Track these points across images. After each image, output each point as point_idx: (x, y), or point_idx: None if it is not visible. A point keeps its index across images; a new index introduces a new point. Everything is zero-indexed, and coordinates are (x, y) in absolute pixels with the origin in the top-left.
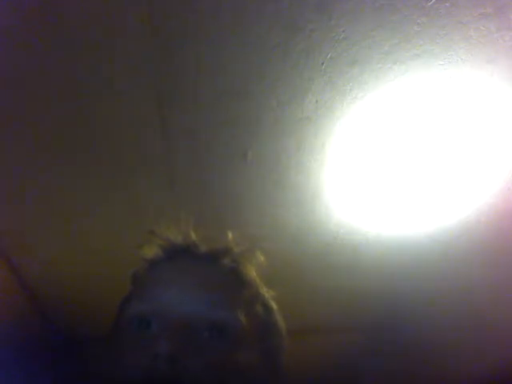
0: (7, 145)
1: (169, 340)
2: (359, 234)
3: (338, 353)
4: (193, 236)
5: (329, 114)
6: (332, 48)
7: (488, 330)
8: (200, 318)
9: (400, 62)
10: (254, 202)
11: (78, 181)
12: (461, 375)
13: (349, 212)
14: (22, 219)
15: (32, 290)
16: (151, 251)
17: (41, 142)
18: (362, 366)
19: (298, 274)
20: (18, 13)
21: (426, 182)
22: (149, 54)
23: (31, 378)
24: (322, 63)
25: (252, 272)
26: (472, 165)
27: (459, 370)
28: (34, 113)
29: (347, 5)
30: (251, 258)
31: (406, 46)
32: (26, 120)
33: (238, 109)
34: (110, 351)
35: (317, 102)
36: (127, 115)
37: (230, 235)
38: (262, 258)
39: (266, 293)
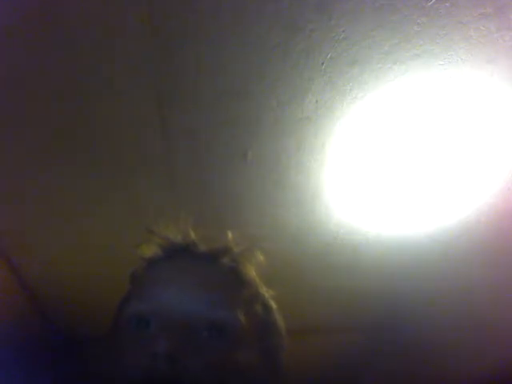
0: (7, 145)
1: (168, 339)
2: (359, 234)
3: (338, 353)
4: (192, 235)
5: (329, 114)
6: (332, 48)
7: (488, 329)
8: (199, 317)
9: (400, 62)
10: (254, 201)
11: (77, 181)
12: (461, 375)
13: (349, 212)
14: (21, 219)
15: (32, 290)
16: (150, 250)
17: (41, 142)
18: (361, 365)
19: (298, 274)
20: (18, 13)
21: (426, 182)
22: (149, 54)
23: (31, 378)
24: (322, 63)
25: (251, 271)
26: (472, 165)
27: (459, 370)
28: (34, 113)
29: (347, 5)
30: (251, 258)
31: (406, 45)
32: (25, 120)
33: (238, 109)
34: (109, 351)
35: (317, 102)
36: (127, 115)
37: (229, 235)
38: (261, 258)
39: (266, 292)
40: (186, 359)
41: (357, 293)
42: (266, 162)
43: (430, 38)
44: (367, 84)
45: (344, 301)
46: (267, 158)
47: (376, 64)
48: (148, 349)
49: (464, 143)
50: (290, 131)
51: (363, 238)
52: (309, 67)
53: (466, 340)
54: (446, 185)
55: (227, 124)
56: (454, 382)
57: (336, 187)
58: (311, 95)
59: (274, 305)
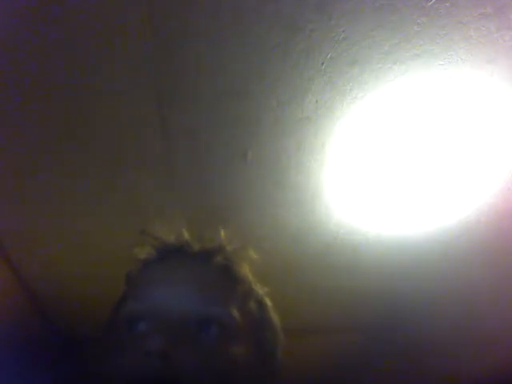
0: (7, 145)
1: (161, 337)
2: (359, 234)
3: (338, 353)
4: (185, 235)
5: (329, 114)
6: (332, 48)
7: (488, 329)
8: (193, 314)
9: (400, 62)
10: (254, 202)
11: (77, 181)
12: (461, 375)
13: (349, 212)
14: (22, 219)
15: (32, 290)
16: (144, 251)
17: (41, 142)
18: (361, 365)
19: (297, 274)
20: (18, 13)
21: (426, 182)
22: (149, 54)
23: (31, 378)
24: (322, 63)
25: (245, 269)
26: (472, 165)
27: (459, 370)
28: (34, 113)
29: (347, 5)
30: (244, 256)
31: (406, 45)
32: (25, 120)
33: (238, 109)
34: (105, 351)
35: (317, 102)
36: (127, 115)
37: (222, 233)
38: (254, 256)
39: (260, 289)
40: (180, 356)
41: (357, 293)
42: (266, 162)
43: (430, 38)
44: (367, 84)
45: (344, 301)
46: (267, 158)
47: (376, 64)
48: (142, 347)
49: (464, 143)
50: (289, 131)
51: (363, 238)
52: (309, 67)
53: (465, 340)
54: (446, 185)
55: (227, 124)
56: (454, 381)
57: (336, 187)
58: (311, 95)
59: (268, 301)
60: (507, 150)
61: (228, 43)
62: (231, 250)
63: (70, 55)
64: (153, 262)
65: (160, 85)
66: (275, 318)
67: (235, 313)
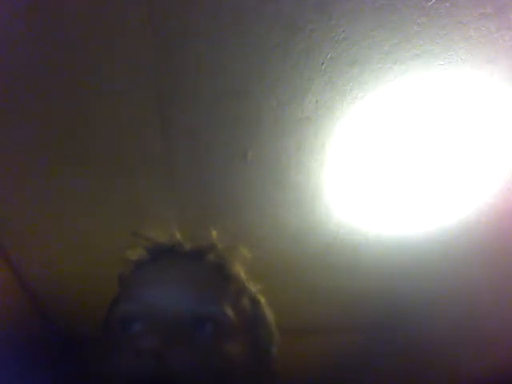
0: (7, 145)
1: (154, 336)
2: (359, 234)
3: (338, 353)
4: (177, 235)
5: (329, 114)
6: (332, 48)
7: (488, 329)
8: (186, 313)
9: (400, 62)
10: (254, 202)
11: (77, 181)
12: (461, 375)
13: (349, 212)
14: (21, 219)
15: (32, 290)
16: (136, 253)
17: (41, 142)
18: (361, 365)
19: (297, 274)
20: (18, 13)
21: (426, 182)
22: (149, 54)
23: (31, 378)
24: (322, 63)
25: (237, 267)
26: (472, 165)
27: (459, 370)
28: (34, 113)
29: (347, 5)
30: (236, 254)
31: (406, 45)
32: (25, 120)
33: (238, 109)
34: (102, 352)
35: (317, 102)
36: (127, 115)
37: (213, 232)
38: (246, 253)
39: (253, 287)
40: (174, 356)
41: (357, 293)
42: (266, 162)
43: (430, 38)
44: (367, 84)
45: (344, 301)
46: (267, 157)
47: (376, 64)
48: (136, 347)
49: (464, 143)
50: (290, 131)
51: (363, 237)
52: (309, 67)
53: (465, 340)
54: (446, 185)
55: (227, 124)
56: (454, 381)
57: (336, 187)
58: (311, 95)
59: (261, 299)
60: (507, 150)
61: (228, 43)
62: (223, 248)
63: (70, 55)
64: (145, 262)
65: (160, 85)
66: (269, 315)
67: (229, 311)
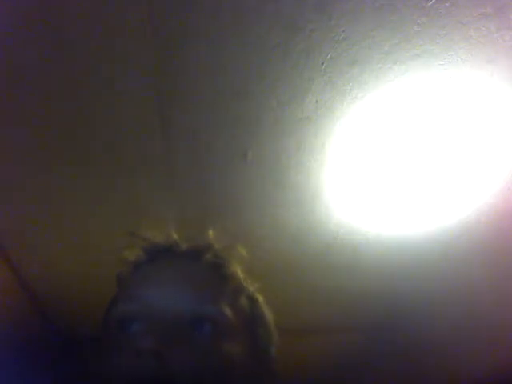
0: (7, 145)
1: (152, 336)
2: (359, 234)
3: (338, 353)
4: (174, 235)
5: (329, 114)
6: (332, 48)
7: (488, 329)
8: (184, 313)
9: (400, 62)
10: (254, 201)
11: (77, 181)
12: (461, 375)
13: (349, 212)
14: (21, 219)
15: (32, 290)
16: (133, 253)
17: (41, 142)
18: (361, 366)
19: (298, 274)
20: (18, 13)
21: (426, 182)
22: (149, 54)
23: (31, 378)
24: (322, 63)
25: (234, 266)
26: (472, 165)
27: (459, 370)
28: (34, 113)
29: (347, 5)
30: (233, 253)
31: (406, 45)
32: (25, 120)
33: (238, 109)
34: (101, 352)
35: (317, 102)
36: (127, 115)
37: (210, 232)
38: (243, 252)
39: (251, 286)
40: (173, 355)
41: (357, 293)
42: (266, 162)
43: (430, 38)
44: (367, 84)
45: (344, 301)
46: (267, 157)
47: (376, 64)
48: (135, 347)
49: (464, 143)
50: (290, 131)
51: (363, 237)
52: (309, 67)
53: (466, 340)
54: (446, 185)
55: (227, 124)
56: (454, 381)
57: (336, 187)
58: (311, 95)
59: (259, 297)
60: (507, 150)
61: (228, 43)
62: (220, 247)
63: (70, 55)
64: (143, 263)
65: (160, 85)
66: (268, 314)
67: (227, 310)
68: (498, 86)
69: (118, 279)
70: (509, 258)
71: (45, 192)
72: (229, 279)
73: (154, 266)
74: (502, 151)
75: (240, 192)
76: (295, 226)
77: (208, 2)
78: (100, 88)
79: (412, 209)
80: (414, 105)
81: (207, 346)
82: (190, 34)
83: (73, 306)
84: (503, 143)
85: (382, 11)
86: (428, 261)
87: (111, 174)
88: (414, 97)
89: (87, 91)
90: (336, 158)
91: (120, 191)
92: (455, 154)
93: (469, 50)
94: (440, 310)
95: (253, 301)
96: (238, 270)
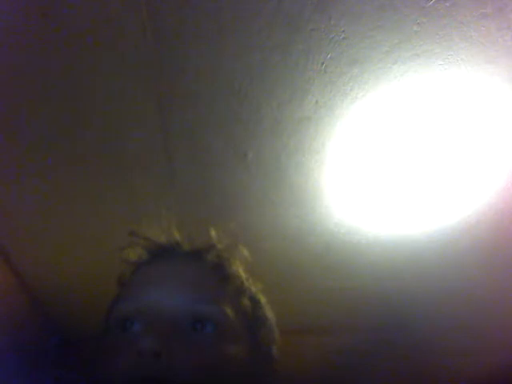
0: (7, 145)
1: (152, 336)
2: (359, 234)
3: (338, 353)
4: (176, 235)
5: (329, 114)
6: (332, 48)
7: (488, 330)
8: (184, 313)
9: (400, 62)
10: (254, 202)
11: (78, 181)
12: (461, 375)
13: (349, 212)
14: (21, 219)
15: (32, 290)
16: (135, 253)
17: (41, 142)
18: (361, 366)
19: (297, 274)
20: (18, 13)
21: (426, 181)
22: (149, 55)
23: (31, 378)
24: (322, 63)
25: (236, 266)
26: (472, 165)
27: (459, 370)
28: (33, 113)
29: (347, 5)
30: (235, 253)
31: (406, 46)
32: (25, 120)
33: (238, 109)
34: (101, 352)
35: (317, 102)
36: (127, 115)
37: (212, 232)
38: (246, 253)
39: (253, 286)
40: (174, 356)
41: (357, 293)
42: (266, 161)
43: (429, 38)
44: (367, 84)
45: (344, 301)
46: (267, 157)
47: (376, 64)
48: (133, 347)
49: (464, 143)
50: (289, 131)
51: (363, 237)
52: (309, 67)
53: (466, 340)
54: (446, 185)
55: (227, 124)
56: (454, 381)
57: (336, 187)
58: (311, 95)
59: (262, 298)
60: (507, 150)
61: (228, 43)
62: (222, 247)
63: (70, 55)
64: (144, 262)
65: (160, 85)
66: (269, 314)
67: (228, 310)
68: (498, 86)
69: (119, 279)
70: (509, 258)
71: (45, 192)
72: (231, 280)
73: (156, 265)
74: (502, 151)
75: (240, 192)
76: (295, 226)
77: (208, 1)
78: (100, 88)
79: (412, 209)
80: (414, 105)
81: (208, 347)
82: (190, 34)
83: (73, 305)
84: (503, 143)
85: (381, 11)
86: (428, 261)
87: (111, 173)
88: (414, 97)
89: (87, 91)
90: (336, 158)
91: (120, 191)
92: (455, 154)
93: (469, 50)
94: (440, 310)
95: (255, 302)
96: (241, 271)
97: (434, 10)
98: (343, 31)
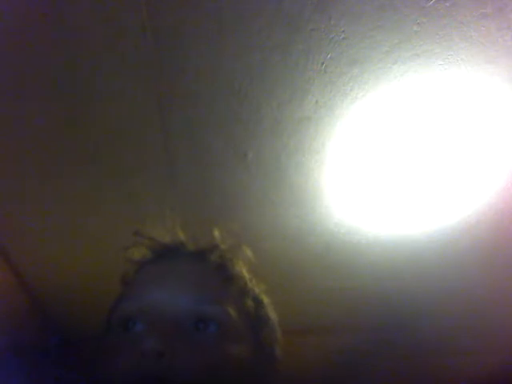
0: (7, 145)
1: (155, 336)
2: (359, 234)
3: (338, 353)
4: (180, 235)
5: (329, 114)
6: (332, 48)
7: (488, 330)
8: (187, 313)
9: (400, 62)
10: (254, 202)
11: (78, 181)
12: (461, 375)
13: (349, 212)
14: (22, 219)
15: (32, 289)
16: (139, 253)
17: (41, 142)
18: (362, 366)
19: (298, 274)
20: (18, 13)
21: (426, 181)
22: (149, 55)
23: (31, 378)
24: (322, 63)
25: (240, 267)
26: (472, 165)
27: (459, 369)
28: (33, 113)
29: (347, 5)
30: (238, 254)
31: (406, 46)
32: (25, 120)
33: (238, 109)
34: (103, 352)
35: (317, 102)
36: (127, 115)
37: (216, 232)
38: (249, 253)
39: (256, 287)
40: (177, 356)
41: (357, 293)
42: (266, 161)
43: (430, 38)
44: (367, 84)
45: (344, 301)
46: (267, 157)
47: (376, 64)
48: (136, 347)
49: (464, 143)
50: (289, 131)
51: (363, 237)
52: (309, 67)
53: (465, 340)
54: (446, 185)
55: (227, 124)
56: (454, 381)
57: (336, 187)
58: (311, 95)
59: (265, 298)
60: (507, 150)
61: (228, 43)
62: (226, 248)
63: (70, 55)
64: (148, 262)
65: (160, 85)
66: (272, 315)
67: (232, 311)
68: (498, 86)
69: (123, 279)
70: (509, 258)
71: (45, 192)
72: (234, 280)
73: (159, 265)
74: (502, 151)
75: (240, 192)
76: (295, 226)
77: (208, 1)
78: (100, 88)
79: (412, 209)
80: (414, 105)
81: (211, 347)
82: (190, 34)
83: (73, 305)
84: (503, 143)
85: (381, 11)
86: (428, 261)
87: (111, 173)
88: (414, 97)
89: (87, 91)
90: (336, 158)
91: (120, 191)
92: (455, 154)
93: (469, 50)
94: (440, 310)
95: (258, 302)
96: (244, 271)
97: (434, 10)
98: (343, 31)
